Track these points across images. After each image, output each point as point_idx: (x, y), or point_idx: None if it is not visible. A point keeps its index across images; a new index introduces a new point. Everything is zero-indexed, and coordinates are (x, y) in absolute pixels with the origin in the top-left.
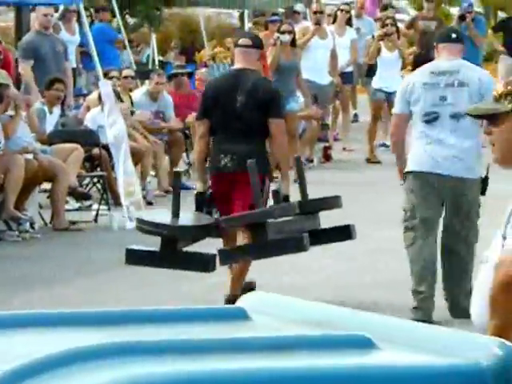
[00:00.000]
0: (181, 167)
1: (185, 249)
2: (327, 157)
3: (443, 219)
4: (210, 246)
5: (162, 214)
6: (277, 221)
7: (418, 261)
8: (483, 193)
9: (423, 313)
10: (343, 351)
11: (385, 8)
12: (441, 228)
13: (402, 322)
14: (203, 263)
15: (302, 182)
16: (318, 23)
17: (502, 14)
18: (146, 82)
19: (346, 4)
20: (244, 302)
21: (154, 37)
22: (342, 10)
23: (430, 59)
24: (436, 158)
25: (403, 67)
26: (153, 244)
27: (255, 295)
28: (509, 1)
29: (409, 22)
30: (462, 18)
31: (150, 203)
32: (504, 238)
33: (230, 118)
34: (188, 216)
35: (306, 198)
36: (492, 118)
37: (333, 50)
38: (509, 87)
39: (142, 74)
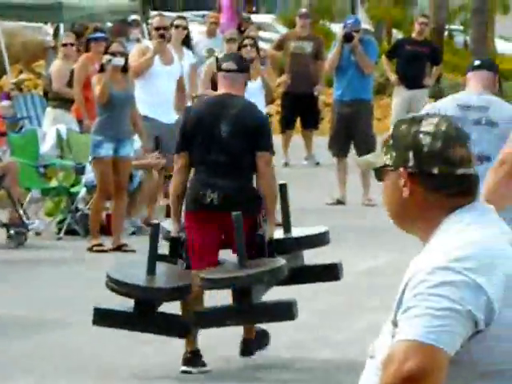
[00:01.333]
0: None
1: (160, 310)
2: None
3: None
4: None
5: (135, 270)
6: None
7: None
8: None
9: None
10: None
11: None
12: None
13: None
14: (182, 328)
15: (285, 213)
16: (162, 37)
17: (397, 34)
18: None
19: (182, 18)
20: None
21: None
22: (177, 26)
23: (304, 91)
24: None
25: (270, 101)
26: None
27: None
28: (405, 16)
29: (277, 43)
30: (347, 37)
31: None
32: (395, 324)
33: (213, 149)
34: (164, 272)
35: (290, 234)
36: (377, 171)
37: (180, 79)
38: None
39: None
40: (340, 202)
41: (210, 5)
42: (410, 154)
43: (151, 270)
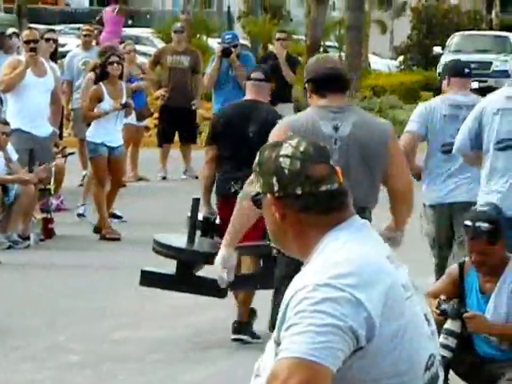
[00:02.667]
0: None
1: (198, 274)
2: (48, 232)
3: (456, 239)
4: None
5: (178, 238)
6: None
7: None
8: None
9: None
10: None
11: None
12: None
13: None
14: (217, 289)
15: None
16: (32, 50)
17: (273, 49)
18: None
19: (52, 31)
20: None
21: None
22: (47, 40)
23: (182, 105)
24: (450, 187)
25: (148, 115)
26: None
27: None
28: None
29: (154, 57)
30: (225, 52)
31: None
32: (277, 343)
33: (241, 147)
34: (201, 242)
35: None
36: (254, 200)
37: (54, 92)
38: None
39: None
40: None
41: (83, 18)
42: (274, 179)
43: (191, 239)
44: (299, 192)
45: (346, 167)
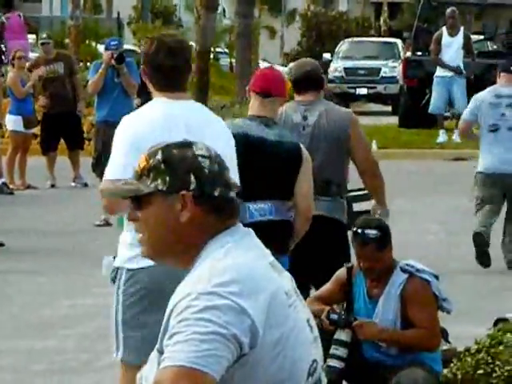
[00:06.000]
0: None
1: None
2: None
3: (507, 205)
4: None
5: None
6: None
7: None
8: None
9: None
10: None
11: None
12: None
13: None
14: None
15: None
16: None
17: None
18: None
19: None
20: None
21: None
22: None
23: (65, 111)
24: (498, 159)
25: (37, 123)
26: None
27: None
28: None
29: (30, 67)
30: (120, 58)
31: None
32: (160, 352)
33: None
34: None
35: None
36: (136, 201)
37: None
38: (151, 160)
39: None
40: (108, 224)
41: None
42: (192, 177)
43: None
44: (216, 194)
45: (313, 148)
